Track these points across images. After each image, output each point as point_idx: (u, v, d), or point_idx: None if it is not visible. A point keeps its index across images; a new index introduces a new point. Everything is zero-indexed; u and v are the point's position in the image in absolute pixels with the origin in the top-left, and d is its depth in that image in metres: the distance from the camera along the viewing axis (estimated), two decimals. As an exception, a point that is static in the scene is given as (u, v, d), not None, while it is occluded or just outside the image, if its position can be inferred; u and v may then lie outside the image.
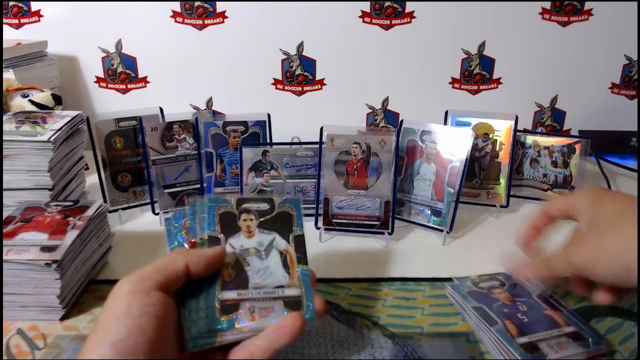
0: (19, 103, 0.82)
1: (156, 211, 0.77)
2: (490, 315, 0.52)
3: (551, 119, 1.15)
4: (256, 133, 0.79)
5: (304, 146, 0.76)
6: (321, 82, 1.10)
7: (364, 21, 1.05)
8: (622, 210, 0.44)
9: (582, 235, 0.46)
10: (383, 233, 0.72)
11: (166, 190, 0.77)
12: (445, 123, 0.82)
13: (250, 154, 0.74)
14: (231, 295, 0.41)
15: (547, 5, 1.05)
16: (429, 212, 0.75)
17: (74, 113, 0.74)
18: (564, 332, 0.49)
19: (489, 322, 0.51)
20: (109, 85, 1.09)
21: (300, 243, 0.47)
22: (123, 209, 0.78)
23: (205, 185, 0.78)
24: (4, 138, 0.65)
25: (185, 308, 0.39)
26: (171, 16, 1.03)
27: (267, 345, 0.37)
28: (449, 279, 0.60)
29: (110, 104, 1.08)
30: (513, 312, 0.52)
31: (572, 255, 0.45)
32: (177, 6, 1.03)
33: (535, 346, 0.47)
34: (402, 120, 0.77)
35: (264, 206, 0.48)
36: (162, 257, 0.39)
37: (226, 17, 1.04)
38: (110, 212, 0.75)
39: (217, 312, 0.39)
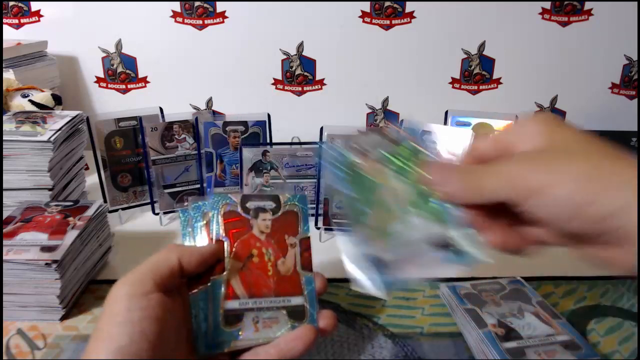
0: (19, 103, 0.82)
1: (156, 211, 0.77)
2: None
3: (551, 119, 1.15)
4: (256, 133, 0.79)
5: (304, 146, 0.76)
6: (321, 82, 1.10)
7: (364, 21, 1.05)
8: (581, 138, 0.34)
9: (528, 156, 0.34)
10: (383, 233, 0.72)
11: (166, 190, 0.77)
12: (445, 123, 0.82)
13: (250, 154, 0.74)
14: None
15: (547, 5, 1.05)
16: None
17: (74, 113, 0.74)
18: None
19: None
20: (109, 85, 1.09)
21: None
22: (123, 209, 0.78)
23: (205, 185, 0.78)
24: (4, 138, 0.65)
25: (196, 311, 0.39)
26: (171, 16, 1.03)
27: (278, 354, 0.37)
28: (450, 280, 0.60)
29: (110, 104, 1.08)
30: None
31: (519, 172, 0.33)
32: (177, 6, 1.03)
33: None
34: (402, 120, 0.77)
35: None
36: (154, 256, 0.38)
37: (226, 17, 1.04)
38: (110, 212, 0.75)
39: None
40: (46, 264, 0.51)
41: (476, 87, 1.11)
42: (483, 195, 0.34)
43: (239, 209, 0.44)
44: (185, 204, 0.44)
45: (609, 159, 0.32)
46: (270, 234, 0.43)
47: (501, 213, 0.35)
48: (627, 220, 0.30)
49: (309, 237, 0.44)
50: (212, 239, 0.42)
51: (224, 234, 0.42)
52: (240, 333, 0.39)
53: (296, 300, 0.41)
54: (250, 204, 0.44)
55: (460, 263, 0.36)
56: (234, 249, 0.42)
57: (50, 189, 0.67)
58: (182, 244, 0.42)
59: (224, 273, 0.41)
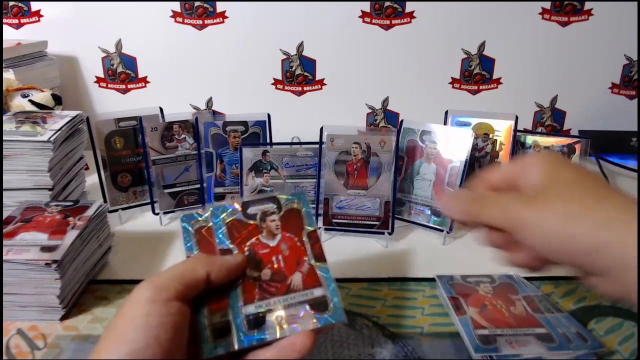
0: (19, 103, 0.82)
1: (156, 211, 0.77)
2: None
3: (551, 119, 1.15)
4: (256, 133, 0.79)
5: (304, 146, 0.76)
6: (321, 82, 1.10)
7: (364, 21, 1.05)
8: (579, 180, 0.37)
9: (530, 193, 0.38)
10: (383, 233, 0.72)
11: (166, 190, 0.77)
12: (445, 123, 0.82)
13: (250, 154, 0.74)
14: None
15: (547, 5, 1.05)
16: (429, 212, 0.75)
17: (74, 113, 0.74)
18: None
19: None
20: (109, 85, 1.09)
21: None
22: (123, 209, 0.78)
23: (205, 185, 0.78)
24: (4, 138, 0.65)
25: (201, 315, 0.39)
26: (171, 16, 1.03)
27: (276, 358, 0.38)
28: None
29: (110, 104, 1.08)
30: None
31: (514, 206, 0.37)
32: (177, 6, 1.03)
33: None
34: (402, 120, 0.77)
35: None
36: (181, 263, 0.38)
37: (226, 17, 1.04)
38: (110, 212, 0.75)
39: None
40: (46, 264, 0.51)
41: (476, 87, 1.11)
42: (480, 219, 0.39)
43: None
44: (194, 211, 0.45)
45: (596, 198, 0.35)
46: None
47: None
48: (608, 255, 0.33)
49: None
50: (220, 249, 0.42)
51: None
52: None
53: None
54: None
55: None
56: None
57: (50, 189, 0.67)
58: (190, 253, 0.42)
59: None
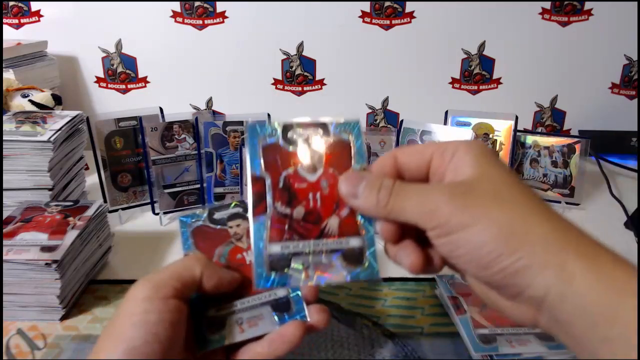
0: (19, 103, 0.82)
1: (156, 211, 0.77)
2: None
3: (551, 119, 1.15)
4: (256, 133, 0.79)
5: (304, 146, 0.75)
6: (321, 82, 1.10)
7: (364, 21, 1.05)
8: (510, 181, 0.32)
9: (456, 191, 0.31)
10: (383, 233, 0.71)
11: (166, 190, 0.77)
12: (445, 123, 0.82)
13: (250, 154, 0.74)
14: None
15: (547, 5, 1.05)
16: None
17: (74, 113, 0.74)
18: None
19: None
20: (109, 85, 1.09)
21: None
22: (123, 209, 0.78)
23: (205, 185, 0.78)
24: (4, 138, 0.65)
25: (195, 311, 0.38)
26: (171, 16, 1.03)
27: (267, 352, 0.37)
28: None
29: (110, 104, 1.08)
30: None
31: (442, 206, 0.31)
32: (177, 6, 1.03)
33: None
34: (402, 120, 0.77)
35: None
36: (178, 262, 0.38)
37: (226, 17, 1.04)
38: (110, 212, 0.75)
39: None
40: (46, 264, 0.51)
41: (476, 87, 1.11)
42: (399, 217, 0.33)
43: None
44: (196, 210, 0.43)
45: (534, 213, 0.30)
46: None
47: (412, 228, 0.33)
48: (535, 280, 0.29)
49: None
50: (252, 174, 0.37)
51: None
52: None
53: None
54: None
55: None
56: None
57: (50, 189, 0.67)
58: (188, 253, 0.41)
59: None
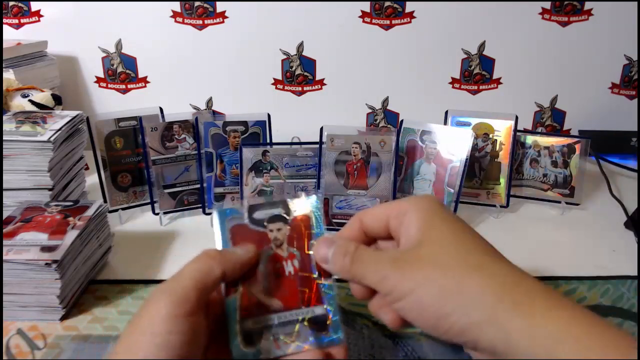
0: (19, 103, 0.82)
1: (156, 211, 0.77)
2: None
3: (551, 119, 1.15)
4: (256, 133, 0.79)
5: (304, 146, 0.76)
6: (321, 82, 1.10)
7: (364, 21, 1.05)
8: (453, 239, 0.36)
9: (405, 251, 0.36)
10: (383, 233, 0.71)
11: (166, 190, 0.77)
12: (445, 123, 0.82)
13: (250, 154, 0.74)
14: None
15: (547, 5, 1.05)
16: (429, 212, 0.75)
17: (74, 113, 0.74)
18: None
19: None
20: (109, 85, 1.09)
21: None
22: (123, 209, 0.78)
23: (205, 185, 0.78)
24: (4, 138, 0.65)
25: (229, 319, 0.37)
26: (171, 16, 1.03)
27: None
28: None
29: (110, 104, 1.08)
30: None
31: (391, 274, 0.35)
32: (177, 6, 1.03)
33: None
34: (402, 120, 0.77)
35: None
36: (197, 264, 0.36)
37: (226, 17, 1.04)
38: (110, 212, 0.75)
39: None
40: (46, 264, 0.51)
41: (476, 87, 1.11)
42: (361, 281, 0.37)
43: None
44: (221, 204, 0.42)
45: (471, 270, 0.33)
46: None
47: None
48: (480, 337, 0.32)
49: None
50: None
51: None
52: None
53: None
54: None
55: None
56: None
57: (50, 189, 0.67)
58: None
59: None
